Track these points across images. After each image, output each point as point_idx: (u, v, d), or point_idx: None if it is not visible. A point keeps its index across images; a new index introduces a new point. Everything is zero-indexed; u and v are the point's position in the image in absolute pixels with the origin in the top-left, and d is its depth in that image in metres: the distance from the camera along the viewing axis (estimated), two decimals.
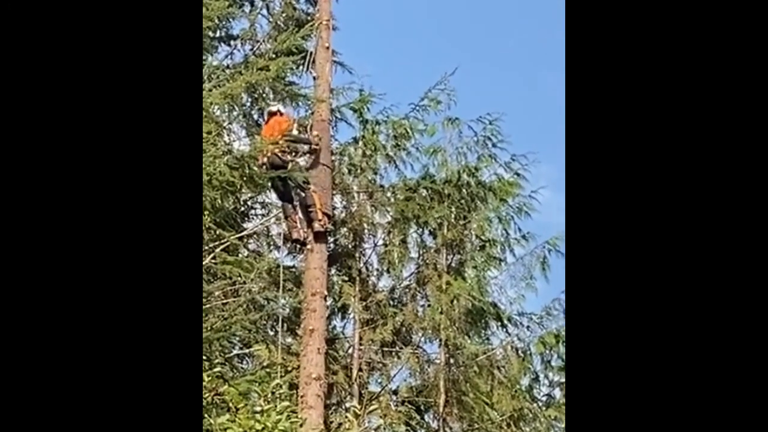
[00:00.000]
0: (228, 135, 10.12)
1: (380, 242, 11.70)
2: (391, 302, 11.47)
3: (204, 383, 6.13)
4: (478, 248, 11.72)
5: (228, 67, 10.29)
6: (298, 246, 10.10)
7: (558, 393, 12.49)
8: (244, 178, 8.83)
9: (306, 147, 9.90)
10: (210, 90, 8.77)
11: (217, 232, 8.69)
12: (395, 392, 11.41)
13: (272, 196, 10.57)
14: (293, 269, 10.79)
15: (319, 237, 9.64)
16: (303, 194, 9.61)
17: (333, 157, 10.99)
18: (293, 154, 9.68)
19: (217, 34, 10.33)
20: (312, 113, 10.42)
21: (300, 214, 9.73)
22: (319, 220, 9.47)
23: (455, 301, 11.19)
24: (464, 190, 11.67)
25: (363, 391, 10.87)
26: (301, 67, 10.53)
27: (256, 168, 9.25)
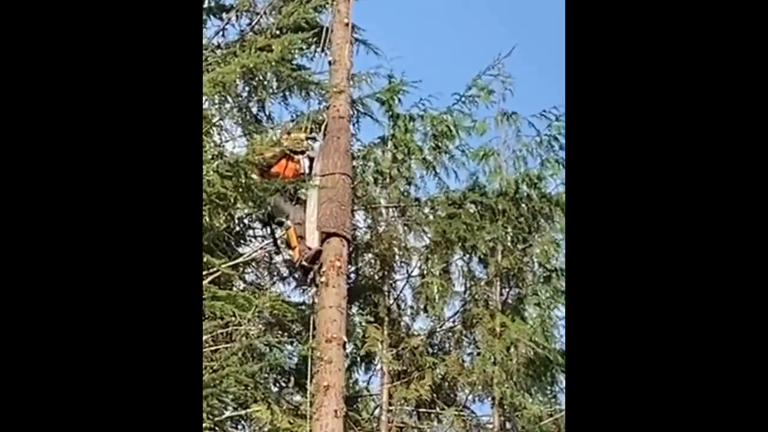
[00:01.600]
0: (219, 134, 9.75)
1: (415, 272, 11.38)
2: (430, 350, 11.17)
3: None
4: (541, 280, 11.38)
5: (219, 46, 10.05)
6: (309, 277, 9.83)
7: None
8: (240, 189, 8.66)
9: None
10: None
11: (205, 259, 8.41)
12: None
13: None
14: (303, 307, 10.34)
15: (306, 272, 9.64)
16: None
17: (354, 163, 10.52)
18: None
19: (206, 5, 10.11)
20: (327, 107, 9.98)
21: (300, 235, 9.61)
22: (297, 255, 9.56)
23: (512, 349, 10.87)
24: (524, 205, 11.35)
25: None
26: (313, 47, 10.26)
27: (255, 176, 9.05)
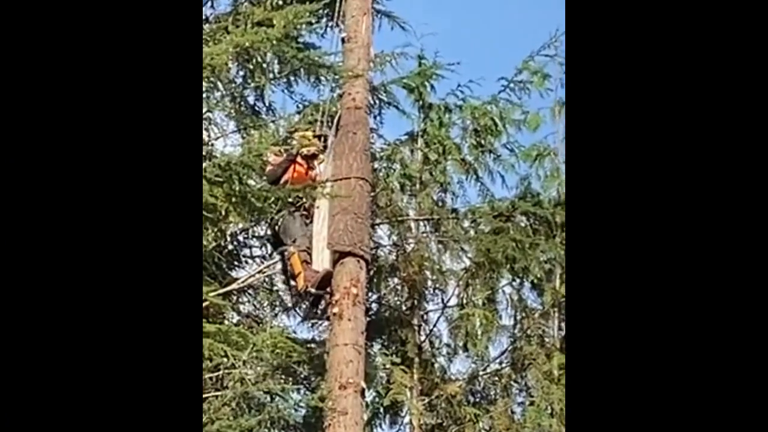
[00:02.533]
0: (207, 129, 9.68)
1: (452, 301, 11.21)
2: (471, 398, 11.07)
3: None
4: None
5: (208, 20, 9.84)
6: (318, 307, 9.55)
7: None
8: (233, 199, 8.35)
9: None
10: None
11: None
12: None
13: None
14: (312, 345, 10.27)
15: (314, 302, 9.44)
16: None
17: (375, 165, 10.49)
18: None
19: None
20: (341, 95, 9.67)
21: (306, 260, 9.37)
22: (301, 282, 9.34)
23: None
24: None
25: None
26: (324, 21, 10.18)
27: (252, 182, 8.71)
